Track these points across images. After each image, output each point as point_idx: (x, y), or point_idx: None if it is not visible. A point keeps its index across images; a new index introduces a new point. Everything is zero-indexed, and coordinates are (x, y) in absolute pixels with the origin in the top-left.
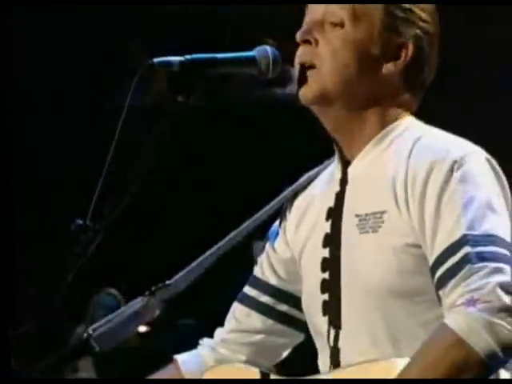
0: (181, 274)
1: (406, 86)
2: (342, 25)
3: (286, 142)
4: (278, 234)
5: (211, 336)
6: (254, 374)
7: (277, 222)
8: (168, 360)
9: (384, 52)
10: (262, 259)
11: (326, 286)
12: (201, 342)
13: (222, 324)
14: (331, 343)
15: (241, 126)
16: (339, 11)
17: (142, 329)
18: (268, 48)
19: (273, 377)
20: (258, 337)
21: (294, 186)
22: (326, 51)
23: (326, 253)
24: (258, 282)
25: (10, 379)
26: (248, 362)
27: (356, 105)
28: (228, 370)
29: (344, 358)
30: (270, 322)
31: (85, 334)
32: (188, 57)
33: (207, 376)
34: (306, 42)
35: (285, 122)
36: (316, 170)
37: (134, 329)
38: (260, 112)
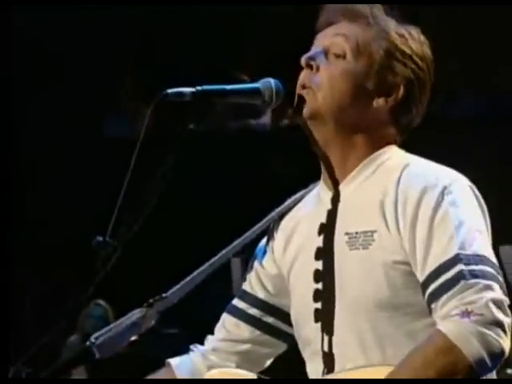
0: (176, 287)
1: (392, 122)
2: (344, 56)
3: (264, 167)
4: (265, 252)
5: (195, 343)
6: (239, 375)
7: (263, 241)
8: (156, 365)
9: (378, 88)
10: (250, 275)
11: (318, 296)
12: (192, 347)
13: (205, 333)
14: (325, 349)
15: (221, 151)
16: (343, 44)
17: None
18: (271, 80)
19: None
20: (246, 346)
21: (281, 207)
22: (324, 78)
23: (318, 265)
24: (247, 295)
25: (9, 379)
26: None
27: (346, 129)
28: (227, 374)
29: (338, 363)
30: (258, 332)
31: (87, 343)
32: (199, 88)
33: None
34: (309, 66)
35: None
36: (301, 192)
37: (132, 338)
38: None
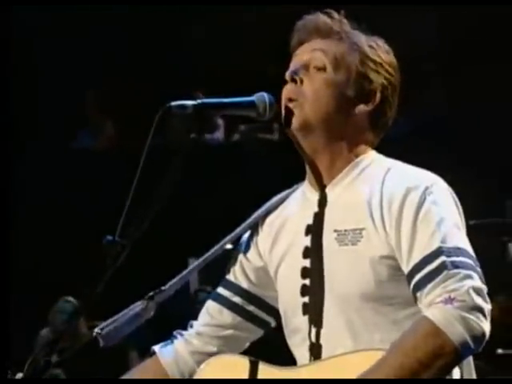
0: (172, 281)
1: (371, 126)
2: (324, 69)
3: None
4: (249, 245)
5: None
6: (244, 362)
7: (246, 235)
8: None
9: (357, 95)
10: (234, 267)
11: (305, 291)
12: (175, 333)
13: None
14: (313, 340)
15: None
16: (323, 57)
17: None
18: (265, 94)
19: (261, 364)
20: (228, 331)
21: (267, 205)
22: (309, 90)
23: (306, 263)
24: (231, 284)
25: (9, 379)
26: (217, 352)
27: (332, 135)
28: (220, 361)
29: (326, 353)
30: (239, 319)
31: (93, 333)
32: (200, 101)
33: (204, 369)
34: (293, 80)
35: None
36: (286, 192)
37: (134, 328)
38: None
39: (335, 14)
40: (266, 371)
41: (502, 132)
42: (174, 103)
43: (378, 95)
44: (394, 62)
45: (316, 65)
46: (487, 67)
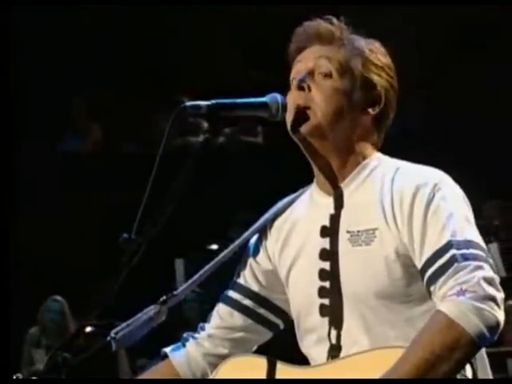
0: (183, 286)
1: (376, 128)
2: (330, 75)
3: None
4: (258, 249)
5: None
6: (262, 362)
7: (254, 239)
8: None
9: (363, 99)
10: (244, 270)
11: (324, 292)
12: (186, 335)
13: None
14: (333, 341)
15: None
16: (328, 64)
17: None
18: (277, 95)
19: (279, 364)
20: (238, 333)
21: (274, 209)
22: (319, 97)
23: (324, 265)
24: (241, 287)
25: (9, 379)
26: (229, 354)
27: (342, 139)
28: (238, 362)
29: (344, 353)
30: (250, 321)
31: (108, 337)
32: (214, 101)
33: (221, 370)
34: (300, 88)
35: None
36: (292, 196)
37: (146, 332)
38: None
39: (335, 20)
40: (284, 370)
41: (475, 138)
42: (188, 103)
43: (383, 98)
44: (391, 64)
45: (322, 71)
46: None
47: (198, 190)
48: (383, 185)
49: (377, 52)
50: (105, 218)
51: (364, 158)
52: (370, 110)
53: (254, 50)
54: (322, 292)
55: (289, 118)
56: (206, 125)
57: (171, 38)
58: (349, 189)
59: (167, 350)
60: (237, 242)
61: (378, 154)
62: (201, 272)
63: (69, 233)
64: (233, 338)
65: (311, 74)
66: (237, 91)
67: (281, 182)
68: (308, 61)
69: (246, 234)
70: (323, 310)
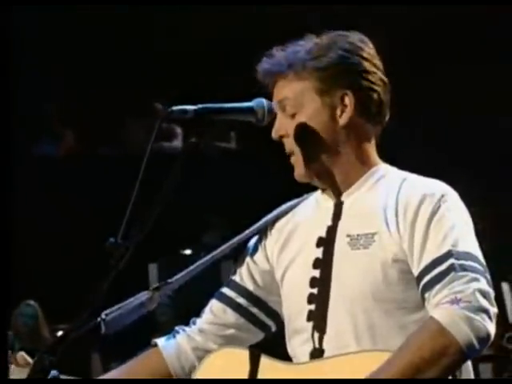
0: (179, 275)
1: (370, 128)
2: (294, 114)
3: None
4: (257, 249)
5: None
6: (246, 354)
7: (255, 239)
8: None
9: (335, 109)
10: (241, 268)
11: (312, 299)
12: (177, 328)
13: None
14: (316, 344)
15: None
16: (289, 104)
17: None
18: (263, 100)
19: (263, 357)
20: (230, 331)
21: (276, 211)
22: (296, 144)
23: (315, 273)
24: (236, 285)
25: (9, 379)
26: None
27: (338, 158)
28: (223, 353)
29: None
30: (242, 320)
31: (98, 318)
32: (200, 106)
33: (205, 363)
34: (281, 137)
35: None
36: (296, 200)
37: (136, 317)
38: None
39: (287, 46)
40: (267, 364)
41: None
42: (175, 108)
43: (350, 98)
44: (368, 56)
45: (288, 114)
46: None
47: (173, 195)
48: (388, 193)
49: (326, 43)
50: (79, 220)
51: (369, 166)
52: (344, 116)
53: (227, 56)
54: (310, 298)
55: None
56: (179, 130)
57: (146, 42)
58: (353, 195)
59: (158, 340)
60: (235, 239)
61: (385, 165)
62: (196, 264)
63: (41, 236)
64: (224, 334)
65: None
66: (211, 96)
67: (254, 187)
68: (275, 100)
69: (245, 233)
70: (310, 315)
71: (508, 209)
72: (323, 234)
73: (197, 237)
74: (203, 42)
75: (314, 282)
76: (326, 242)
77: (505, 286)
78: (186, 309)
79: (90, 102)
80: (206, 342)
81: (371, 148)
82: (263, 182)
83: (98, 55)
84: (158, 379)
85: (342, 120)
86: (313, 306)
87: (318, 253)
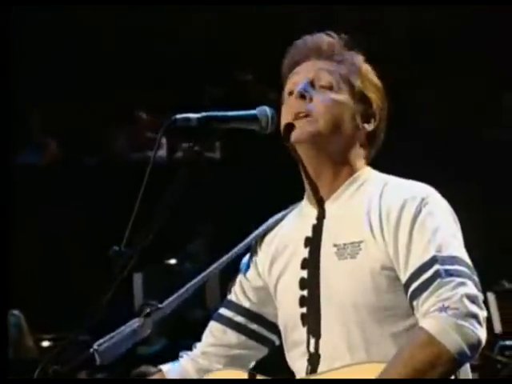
0: (169, 299)
1: (369, 145)
2: (331, 88)
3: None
4: (249, 266)
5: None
6: (242, 374)
7: (247, 257)
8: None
9: (361, 115)
10: (235, 287)
11: (304, 301)
12: (181, 354)
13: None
14: (311, 350)
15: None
16: (329, 77)
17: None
18: (267, 108)
19: (259, 376)
20: (233, 350)
21: (264, 226)
22: (321, 106)
23: (304, 273)
24: (232, 304)
25: (9, 379)
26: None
27: (338, 151)
28: (220, 374)
29: (324, 363)
30: (243, 338)
31: (91, 349)
32: (204, 114)
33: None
34: (302, 96)
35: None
36: (282, 213)
37: (130, 345)
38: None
39: (335, 35)
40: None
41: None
42: (178, 116)
43: (377, 116)
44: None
45: (322, 84)
46: None
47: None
48: (371, 198)
49: (371, 70)
50: (61, 230)
51: (355, 171)
52: (365, 125)
53: (210, 66)
54: (302, 301)
55: (284, 122)
56: (163, 140)
57: (129, 52)
58: (337, 201)
59: (163, 367)
60: (224, 258)
61: (368, 168)
62: (187, 286)
63: (23, 246)
64: (227, 354)
65: (312, 85)
66: (195, 107)
67: (238, 196)
68: (308, 73)
69: (234, 250)
70: (303, 320)
71: (494, 218)
72: (309, 233)
73: (181, 246)
74: (189, 54)
75: (303, 283)
76: (312, 242)
77: (490, 297)
78: (168, 321)
79: (73, 111)
80: (209, 363)
81: (362, 152)
82: (247, 192)
83: (81, 65)
84: (159, 379)
85: (370, 127)
86: (304, 309)
87: (305, 253)
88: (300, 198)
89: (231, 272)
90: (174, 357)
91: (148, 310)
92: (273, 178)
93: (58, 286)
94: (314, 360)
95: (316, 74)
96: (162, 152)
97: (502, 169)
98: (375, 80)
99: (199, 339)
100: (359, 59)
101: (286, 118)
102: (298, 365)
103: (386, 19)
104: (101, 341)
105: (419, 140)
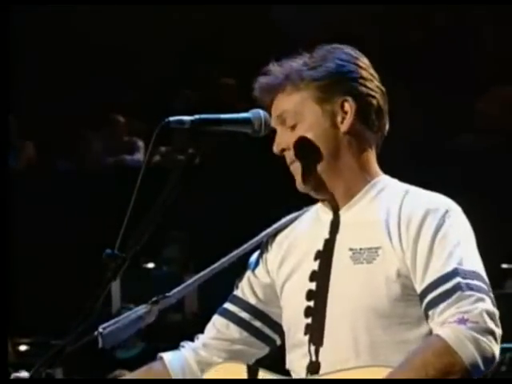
0: (177, 289)
1: (369, 143)
2: (295, 126)
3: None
4: (258, 263)
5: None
6: (244, 368)
7: (256, 254)
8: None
9: (336, 118)
10: (242, 283)
11: (309, 312)
12: (183, 343)
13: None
14: (313, 358)
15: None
16: (289, 116)
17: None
18: (260, 111)
19: (261, 371)
20: (234, 345)
21: (276, 225)
22: (297, 154)
23: (311, 286)
24: (238, 300)
25: (9, 379)
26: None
27: (339, 169)
28: (222, 367)
29: (324, 370)
30: (245, 334)
31: (95, 332)
32: (197, 116)
33: (207, 373)
34: (283, 151)
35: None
36: (295, 214)
37: (135, 331)
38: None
39: (283, 63)
40: (265, 379)
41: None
42: (172, 118)
43: (351, 104)
44: (364, 66)
45: (288, 126)
46: None
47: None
48: (390, 206)
49: (351, 62)
50: (37, 233)
51: (370, 178)
52: (344, 122)
53: (186, 70)
54: (307, 312)
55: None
56: (140, 143)
57: (105, 55)
58: (354, 208)
59: (164, 355)
60: (233, 253)
61: (386, 177)
62: (195, 277)
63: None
64: (228, 349)
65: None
66: (173, 110)
67: (214, 201)
68: (275, 112)
69: (244, 246)
70: (307, 329)
71: (481, 225)
72: (320, 247)
73: (158, 251)
74: (165, 56)
75: (310, 295)
76: (323, 255)
77: None
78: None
79: (48, 114)
80: (210, 356)
81: (372, 157)
82: (223, 196)
83: (57, 68)
84: (158, 379)
85: (344, 126)
86: (310, 320)
87: (315, 266)
88: (270, 205)
89: (218, 273)
90: (150, 361)
91: (155, 298)
92: (251, 184)
93: (35, 291)
94: (313, 368)
95: (280, 116)
96: (140, 155)
97: (473, 176)
98: (333, 63)
99: (176, 343)
100: (331, 65)
101: (275, 148)
102: (297, 367)
103: (359, 29)
104: (106, 324)
105: (394, 147)
